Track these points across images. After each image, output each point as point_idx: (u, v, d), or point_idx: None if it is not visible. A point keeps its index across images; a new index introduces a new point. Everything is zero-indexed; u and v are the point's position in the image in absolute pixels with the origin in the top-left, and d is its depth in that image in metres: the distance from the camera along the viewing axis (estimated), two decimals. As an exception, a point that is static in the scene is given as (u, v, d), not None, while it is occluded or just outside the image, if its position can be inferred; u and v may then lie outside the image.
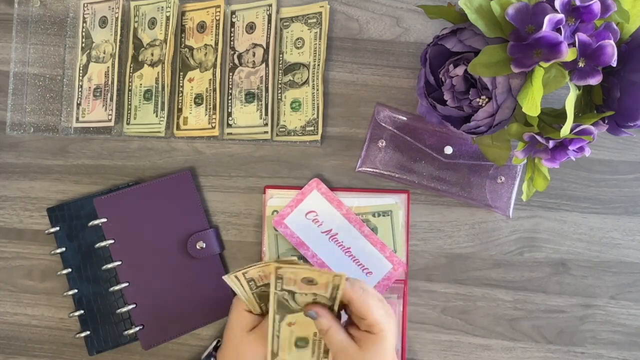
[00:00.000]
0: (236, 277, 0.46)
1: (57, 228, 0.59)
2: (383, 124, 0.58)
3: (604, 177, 0.58)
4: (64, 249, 0.59)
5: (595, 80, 0.41)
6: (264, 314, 0.50)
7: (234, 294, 0.49)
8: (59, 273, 0.59)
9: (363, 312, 0.44)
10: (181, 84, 0.61)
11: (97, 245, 0.58)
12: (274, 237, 0.58)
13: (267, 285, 0.46)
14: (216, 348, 0.56)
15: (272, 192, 0.59)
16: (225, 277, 0.45)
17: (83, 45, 0.63)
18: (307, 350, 0.48)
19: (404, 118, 0.58)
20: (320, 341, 0.48)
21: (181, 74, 0.62)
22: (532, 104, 0.41)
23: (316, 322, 0.46)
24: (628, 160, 0.58)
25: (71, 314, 0.59)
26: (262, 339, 0.48)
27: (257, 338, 0.48)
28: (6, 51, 0.63)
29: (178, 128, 0.61)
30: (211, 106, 0.60)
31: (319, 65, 0.59)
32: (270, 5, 0.60)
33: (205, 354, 0.56)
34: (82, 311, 0.58)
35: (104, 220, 0.58)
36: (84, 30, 0.63)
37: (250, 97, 0.60)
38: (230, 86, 0.61)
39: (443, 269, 0.58)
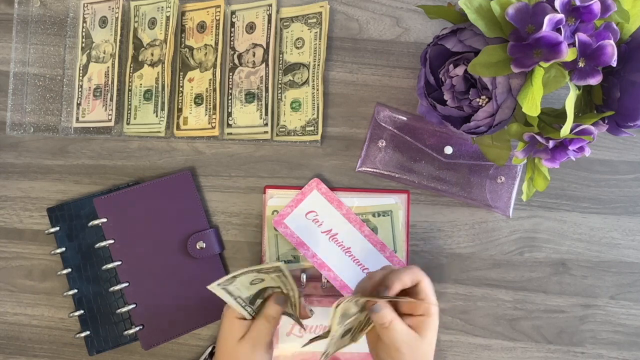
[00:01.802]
0: (223, 287, 0.45)
1: (57, 228, 0.59)
2: (383, 124, 0.58)
3: (604, 177, 0.58)
4: (64, 249, 0.59)
5: (595, 80, 0.41)
6: (254, 317, 0.50)
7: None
8: (59, 273, 0.59)
9: (424, 294, 0.45)
10: (181, 84, 0.61)
11: (97, 245, 0.58)
12: (274, 237, 0.58)
13: (263, 284, 0.47)
14: (212, 354, 0.56)
15: (272, 192, 0.59)
16: (210, 287, 0.44)
17: (83, 45, 0.63)
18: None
19: (404, 118, 0.58)
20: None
21: (181, 74, 0.62)
22: (532, 104, 0.41)
23: (378, 316, 0.45)
24: (628, 160, 0.58)
25: (71, 314, 0.59)
26: (255, 346, 0.47)
27: (250, 345, 0.48)
28: (6, 51, 0.63)
29: (178, 128, 0.61)
30: (211, 106, 0.60)
31: (319, 65, 0.59)
32: (270, 5, 0.60)
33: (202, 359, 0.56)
34: (82, 311, 0.58)
35: (104, 220, 0.58)
36: (84, 30, 0.63)
37: (250, 97, 0.60)
38: (230, 86, 0.61)
39: (443, 269, 0.58)
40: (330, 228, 0.57)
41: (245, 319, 0.48)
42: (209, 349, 0.57)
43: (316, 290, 0.58)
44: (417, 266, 0.47)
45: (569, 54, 0.39)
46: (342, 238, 0.57)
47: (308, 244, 0.57)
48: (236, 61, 0.61)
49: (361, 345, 0.56)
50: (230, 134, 0.60)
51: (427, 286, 0.45)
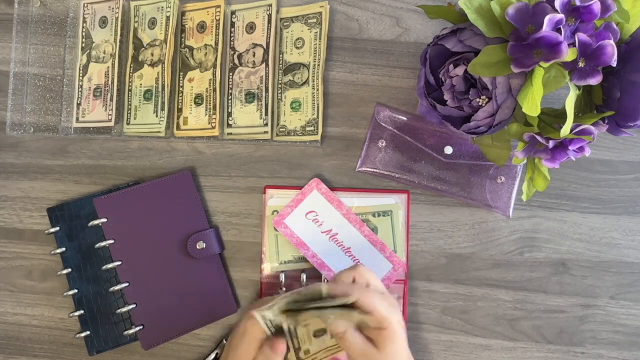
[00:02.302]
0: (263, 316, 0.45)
1: (57, 228, 0.59)
2: (383, 124, 0.58)
3: (604, 177, 0.58)
4: (64, 249, 0.59)
5: (595, 80, 0.41)
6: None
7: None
8: (59, 273, 0.59)
9: (368, 308, 0.43)
10: (181, 84, 0.61)
11: (97, 245, 0.58)
12: (274, 237, 0.58)
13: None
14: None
15: (272, 192, 0.59)
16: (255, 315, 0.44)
17: (83, 45, 0.63)
18: (327, 335, 0.48)
19: (404, 118, 0.58)
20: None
21: (181, 74, 0.62)
22: (532, 104, 0.41)
23: (331, 326, 0.45)
24: (628, 160, 0.58)
25: (71, 314, 0.59)
26: None
27: None
28: (6, 51, 0.63)
29: (178, 128, 0.61)
30: (211, 106, 0.60)
31: (319, 65, 0.59)
32: (270, 5, 0.60)
33: None
34: (82, 311, 0.58)
35: (104, 220, 0.58)
36: (84, 30, 0.63)
37: (250, 97, 0.60)
38: (230, 86, 0.61)
39: (443, 269, 0.58)
40: (330, 228, 0.57)
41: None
42: (212, 355, 0.57)
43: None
44: (364, 268, 0.46)
45: (569, 54, 0.39)
46: (342, 238, 0.57)
47: (308, 244, 0.57)
48: (236, 61, 0.61)
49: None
50: (230, 134, 0.60)
51: (370, 300, 0.43)
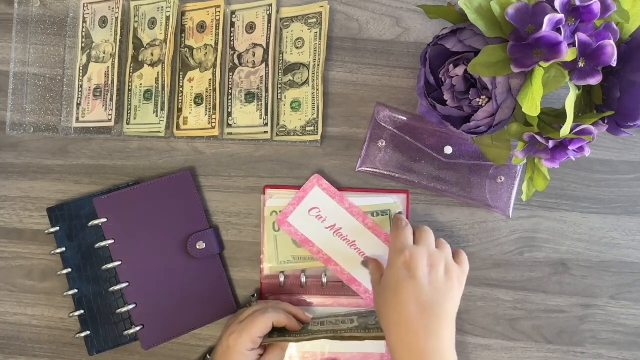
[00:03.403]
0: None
1: (57, 228, 0.59)
2: (383, 124, 0.58)
3: (604, 177, 0.58)
4: (64, 249, 0.59)
5: (595, 80, 0.41)
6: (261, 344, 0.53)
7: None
8: (59, 273, 0.59)
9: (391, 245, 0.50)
10: (181, 84, 0.61)
11: (97, 245, 0.58)
12: (273, 237, 0.58)
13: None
14: None
15: (272, 193, 0.59)
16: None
17: (83, 45, 0.63)
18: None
19: (404, 118, 0.58)
20: None
21: (181, 74, 0.62)
22: (532, 104, 0.41)
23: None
24: (628, 160, 0.58)
25: (71, 314, 0.59)
26: None
27: None
28: (6, 51, 0.63)
29: (178, 128, 0.61)
30: (211, 106, 0.60)
31: (319, 65, 0.59)
32: (270, 5, 0.60)
33: None
34: (82, 311, 0.58)
35: (104, 220, 0.58)
36: (84, 30, 0.63)
37: (250, 97, 0.60)
38: (230, 86, 0.61)
39: (443, 269, 0.58)
40: (334, 223, 0.57)
41: (254, 348, 0.51)
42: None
43: (316, 290, 0.58)
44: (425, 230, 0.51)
45: (569, 54, 0.39)
46: (346, 232, 0.57)
47: (313, 241, 0.57)
48: (236, 61, 0.61)
49: (361, 345, 0.57)
50: (230, 134, 0.60)
51: (392, 238, 0.51)
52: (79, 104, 0.62)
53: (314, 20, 0.59)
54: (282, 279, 0.58)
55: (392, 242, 0.50)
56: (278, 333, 0.53)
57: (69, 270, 0.59)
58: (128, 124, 0.61)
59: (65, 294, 0.59)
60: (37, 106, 0.62)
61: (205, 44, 0.61)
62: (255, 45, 0.60)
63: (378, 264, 0.53)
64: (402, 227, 0.51)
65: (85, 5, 0.63)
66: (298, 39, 0.60)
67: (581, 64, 0.41)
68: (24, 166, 0.62)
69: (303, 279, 0.58)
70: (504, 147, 0.50)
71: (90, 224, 0.58)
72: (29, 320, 0.61)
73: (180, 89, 0.61)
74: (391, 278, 0.48)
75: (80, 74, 0.63)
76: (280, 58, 0.60)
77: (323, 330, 0.52)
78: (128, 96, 0.62)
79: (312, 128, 0.59)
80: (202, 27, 0.61)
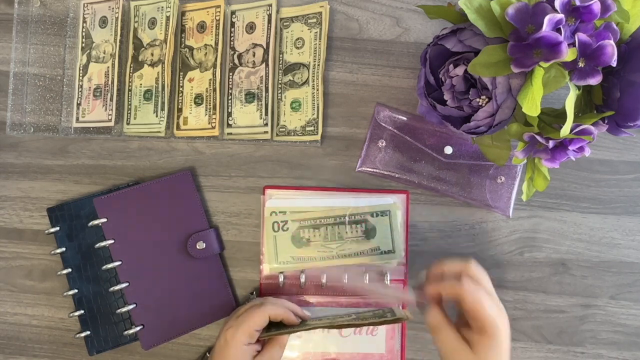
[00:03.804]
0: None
1: (57, 228, 0.59)
2: (383, 124, 0.58)
3: (604, 177, 0.58)
4: (64, 249, 0.59)
5: (595, 80, 0.41)
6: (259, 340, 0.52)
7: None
8: (59, 273, 0.59)
9: (475, 310, 0.41)
10: (181, 84, 0.61)
11: (97, 245, 0.58)
12: (272, 238, 0.58)
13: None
14: None
15: (272, 193, 0.59)
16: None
17: (83, 45, 0.63)
18: None
19: (404, 118, 0.58)
20: None
21: (181, 74, 0.62)
22: (532, 104, 0.41)
23: (425, 316, 0.43)
24: (628, 160, 0.58)
25: (71, 314, 0.59)
26: None
27: None
28: (6, 51, 0.63)
29: (178, 128, 0.61)
30: (211, 106, 0.60)
31: (319, 65, 0.59)
32: (270, 5, 0.60)
33: None
34: (82, 311, 0.58)
35: (104, 220, 0.58)
36: (84, 30, 0.63)
37: (250, 97, 0.60)
38: (230, 86, 0.61)
39: (443, 269, 0.58)
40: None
41: (250, 342, 0.50)
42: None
43: (315, 290, 0.58)
44: (475, 266, 0.44)
45: (569, 54, 0.39)
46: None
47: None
48: (236, 61, 0.61)
49: (361, 345, 0.57)
50: (230, 134, 0.60)
51: (475, 301, 0.41)
52: (79, 104, 0.62)
53: (314, 20, 0.59)
54: (281, 279, 0.58)
55: (487, 307, 0.42)
56: (275, 328, 0.52)
57: (69, 270, 0.59)
58: (128, 124, 0.61)
59: (65, 294, 0.59)
60: (37, 106, 0.62)
61: (205, 44, 0.61)
62: (255, 45, 0.60)
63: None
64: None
65: (85, 5, 0.63)
66: (298, 39, 0.60)
67: (581, 64, 0.41)
68: (24, 166, 0.62)
69: (302, 279, 0.58)
70: (504, 147, 0.50)
71: (90, 224, 0.58)
72: (29, 320, 0.61)
73: (180, 89, 0.61)
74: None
75: (80, 74, 0.63)
76: (280, 58, 0.60)
77: (320, 323, 0.52)
78: (128, 96, 0.62)
79: (312, 128, 0.59)
80: (202, 27, 0.61)
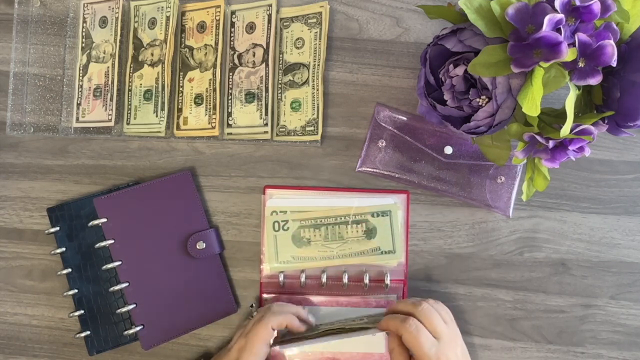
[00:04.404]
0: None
1: (57, 228, 0.59)
2: (383, 124, 0.58)
3: (604, 177, 0.58)
4: (64, 249, 0.59)
5: (595, 80, 0.41)
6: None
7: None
8: (59, 273, 0.59)
9: (412, 347, 0.47)
10: (181, 84, 0.61)
11: (97, 245, 0.58)
12: (273, 237, 0.58)
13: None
14: None
15: (272, 193, 0.59)
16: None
17: (83, 45, 0.63)
18: None
19: (404, 118, 0.58)
20: None
21: (181, 74, 0.62)
22: (532, 104, 0.41)
23: (389, 340, 0.50)
24: (628, 160, 0.58)
25: (71, 314, 0.59)
26: None
27: None
28: (6, 51, 0.63)
29: (178, 128, 0.61)
30: (211, 106, 0.60)
31: (319, 65, 0.59)
32: (270, 5, 0.60)
33: None
34: (82, 311, 0.58)
35: (104, 220, 0.58)
36: (84, 30, 0.63)
37: (250, 97, 0.60)
38: (230, 86, 0.61)
39: (443, 269, 0.58)
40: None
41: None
42: None
43: (316, 290, 0.58)
44: (428, 310, 0.49)
45: (569, 54, 0.39)
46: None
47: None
48: (236, 61, 0.61)
49: (361, 345, 0.57)
50: (230, 134, 0.60)
51: (410, 337, 0.47)
52: (79, 104, 0.62)
53: (314, 20, 0.59)
54: (281, 278, 0.58)
55: (425, 344, 0.47)
56: (287, 336, 0.53)
57: (69, 270, 0.59)
58: (128, 124, 0.61)
59: (65, 294, 0.59)
60: (37, 106, 0.62)
61: (205, 44, 0.61)
62: (255, 45, 0.60)
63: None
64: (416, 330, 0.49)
65: (85, 5, 0.63)
66: (298, 39, 0.60)
67: (581, 64, 0.41)
68: (24, 166, 0.62)
69: (302, 279, 0.58)
70: (504, 147, 0.50)
71: (90, 224, 0.58)
72: (29, 320, 0.61)
73: (180, 89, 0.61)
74: None
75: (80, 74, 0.63)
76: (280, 58, 0.60)
77: (333, 327, 0.53)
78: (128, 96, 0.62)
79: (312, 128, 0.59)
80: (202, 27, 0.61)
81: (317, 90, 0.59)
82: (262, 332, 0.51)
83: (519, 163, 0.50)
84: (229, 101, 0.60)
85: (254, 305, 0.59)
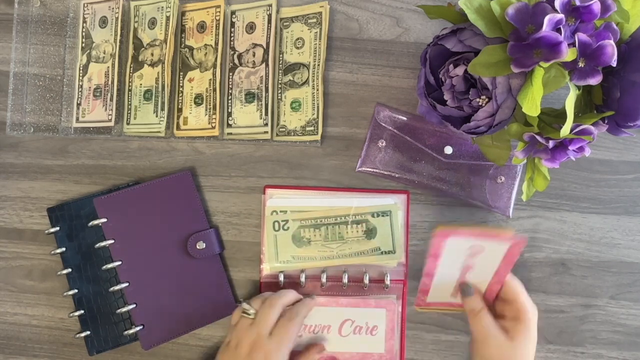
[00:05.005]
0: None
1: (57, 228, 0.59)
2: (383, 124, 0.59)
3: (604, 177, 0.58)
4: (64, 249, 0.59)
5: (595, 80, 0.41)
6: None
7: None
8: (59, 273, 0.59)
9: (512, 294, 0.45)
10: (181, 84, 0.61)
11: (97, 245, 0.58)
12: (273, 237, 0.58)
13: None
14: None
15: (272, 192, 0.59)
16: None
17: (83, 45, 0.63)
18: None
19: (404, 118, 0.58)
20: None
21: (181, 74, 0.62)
22: (532, 104, 0.41)
23: (467, 301, 0.47)
24: (628, 160, 0.58)
25: (71, 314, 0.59)
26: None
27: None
28: (6, 51, 0.63)
29: (178, 128, 0.61)
30: (211, 106, 0.60)
31: (319, 65, 0.59)
32: (270, 5, 0.60)
33: None
34: (82, 311, 0.58)
35: (104, 220, 0.58)
36: (84, 30, 0.63)
37: (250, 97, 0.60)
38: (230, 86, 0.61)
39: (443, 269, 0.58)
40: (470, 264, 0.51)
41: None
42: None
43: (316, 290, 0.58)
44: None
45: (569, 54, 0.39)
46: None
47: (438, 269, 0.50)
48: (236, 61, 0.61)
49: (360, 344, 0.57)
50: (230, 134, 0.60)
51: (516, 288, 0.46)
52: (79, 104, 0.62)
53: (314, 20, 0.59)
54: (281, 278, 0.58)
55: (524, 296, 0.47)
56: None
57: (69, 270, 0.59)
58: (128, 124, 0.61)
59: (65, 294, 0.59)
60: (37, 106, 0.62)
61: (205, 44, 0.61)
62: (255, 45, 0.60)
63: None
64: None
65: (85, 5, 0.63)
66: (298, 39, 0.60)
67: (581, 64, 0.41)
68: (24, 166, 0.62)
69: (302, 279, 0.58)
70: (504, 147, 0.50)
71: (90, 224, 0.58)
72: (29, 320, 0.61)
73: (180, 89, 0.61)
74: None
75: (80, 74, 0.63)
76: (280, 58, 0.60)
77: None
78: (128, 96, 0.62)
79: (312, 128, 0.59)
80: (202, 27, 0.61)
81: (317, 90, 0.59)
82: (294, 330, 0.51)
83: (519, 163, 0.50)
84: (229, 101, 0.60)
85: (241, 301, 0.58)
